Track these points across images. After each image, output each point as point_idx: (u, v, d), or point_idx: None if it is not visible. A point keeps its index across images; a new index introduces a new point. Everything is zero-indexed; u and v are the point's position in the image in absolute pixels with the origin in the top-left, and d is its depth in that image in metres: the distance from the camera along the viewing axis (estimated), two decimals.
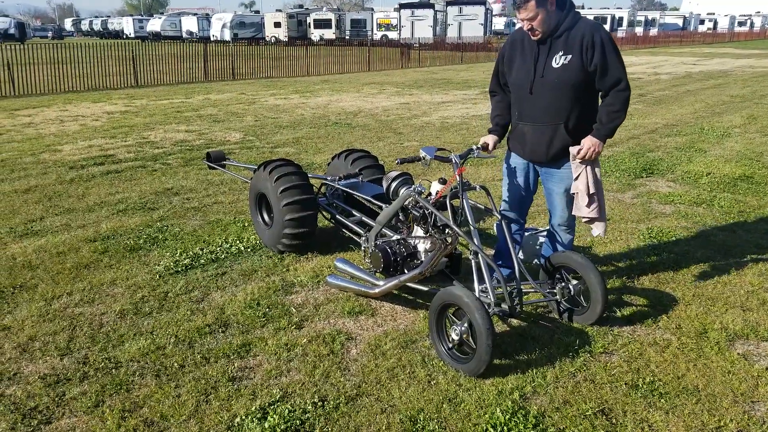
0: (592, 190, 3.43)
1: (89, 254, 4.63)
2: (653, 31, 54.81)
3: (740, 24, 70.20)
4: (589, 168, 3.43)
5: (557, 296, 3.51)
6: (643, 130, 10.09)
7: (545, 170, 3.67)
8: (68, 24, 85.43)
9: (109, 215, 5.61)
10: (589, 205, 3.46)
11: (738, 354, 3.24)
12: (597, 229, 3.57)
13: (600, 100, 3.48)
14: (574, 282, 3.48)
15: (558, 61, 3.36)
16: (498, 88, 3.79)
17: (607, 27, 48.84)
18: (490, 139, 3.72)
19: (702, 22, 67.03)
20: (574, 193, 3.51)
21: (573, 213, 3.59)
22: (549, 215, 3.86)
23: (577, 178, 3.46)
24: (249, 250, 4.71)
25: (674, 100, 14.16)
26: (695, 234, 5.05)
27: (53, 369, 3.09)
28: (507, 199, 3.84)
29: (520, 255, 4.16)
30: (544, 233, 4.03)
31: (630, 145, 8.88)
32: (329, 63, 24.30)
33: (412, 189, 3.75)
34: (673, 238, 4.94)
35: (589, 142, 3.39)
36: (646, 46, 44.43)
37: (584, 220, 3.56)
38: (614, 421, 2.70)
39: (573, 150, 3.43)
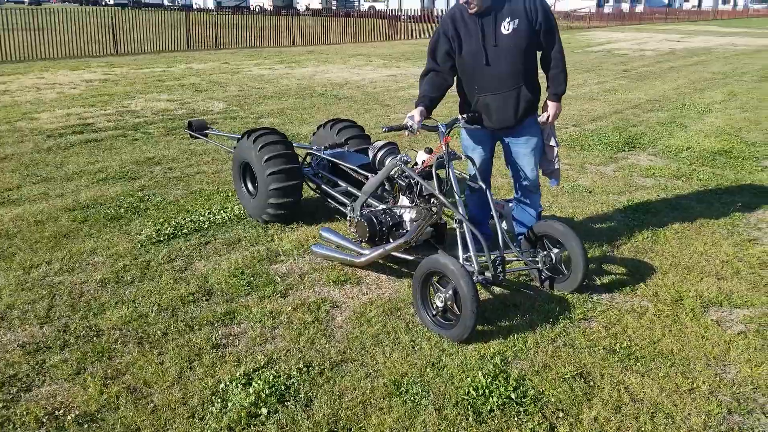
0: (556, 144, 3.87)
1: (68, 223, 4.58)
2: (639, 8, 54.73)
3: (724, 2, 70.23)
4: (549, 126, 3.85)
5: (539, 264, 3.56)
6: (626, 105, 10.13)
7: (511, 135, 3.78)
8: None
9: (88, 184, 5.53)
10: (553, 158, 3.89)
11: (711, 320, 3.32)
12: (555, 179, 3.98)
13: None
14: (556, 250, 3.53)
15: (507, 27, 3.52)
16: (435, 66, 3.72)
17: (593, 2, 48.43)
18: (416, 112, 3.59)
19: None
20: (551, 146, 3.87)
21: (539, 168, 3.92)
22: (514, 184, 3.99)
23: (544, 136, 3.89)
24: (233, 220, 4.69)
25: (657, 76, 14.21)
26: (674, 206, 5.13)
27: (32, 337, 3.07)
28: (476, 172, 3.85)
29: (504, 225, 4.19)
30: (512, 203, 4.09)
31: (613, 119, 8.92)
32: (315, 34, 23.96)
33: (398, 158, 3.75)
34: (653, 210, 5.01)
35: (553, 108, 3.75)
36: (632, 23, 44.35)
37: (546, 172, 3.96)
38: (592, 383, 2.76)
39: (541, 119, 3.79)
